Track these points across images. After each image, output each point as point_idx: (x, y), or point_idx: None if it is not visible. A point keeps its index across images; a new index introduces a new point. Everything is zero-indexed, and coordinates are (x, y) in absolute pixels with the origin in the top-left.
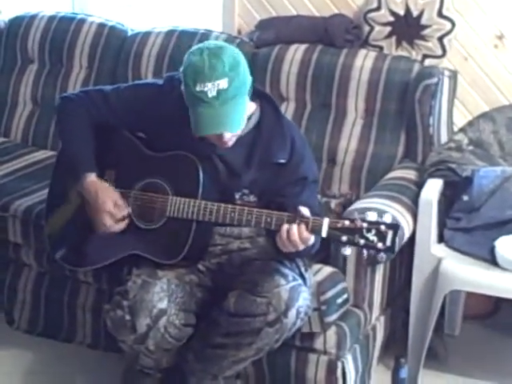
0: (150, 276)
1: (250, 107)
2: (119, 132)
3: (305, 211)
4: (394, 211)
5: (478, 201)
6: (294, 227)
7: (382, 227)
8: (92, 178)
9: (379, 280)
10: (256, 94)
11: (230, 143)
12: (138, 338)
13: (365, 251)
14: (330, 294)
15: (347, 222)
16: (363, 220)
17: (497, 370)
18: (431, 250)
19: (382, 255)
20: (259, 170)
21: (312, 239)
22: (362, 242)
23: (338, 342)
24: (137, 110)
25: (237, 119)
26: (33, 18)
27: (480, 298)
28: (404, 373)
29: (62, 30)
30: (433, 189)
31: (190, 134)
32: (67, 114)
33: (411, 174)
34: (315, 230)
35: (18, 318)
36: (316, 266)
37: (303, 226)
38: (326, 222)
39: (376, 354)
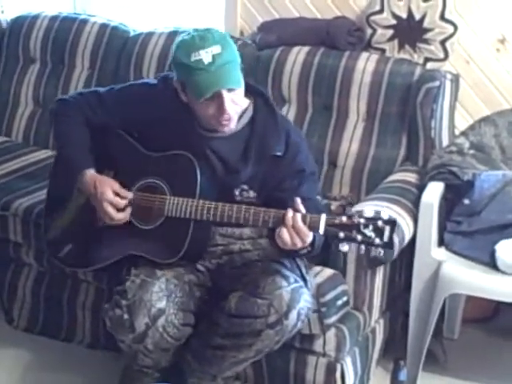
0: (148, 276)
1: (244, 103)
2: (116, 133)
3: (302, 208)
4: (395, 214)
5: (479, 204)
6: (298, 215)
7: (380, 223)
8: (91, 172)
9: (379, 283)
10: (249, 90)
11: (232, 125)
12: (137, 337)
13: (362, 247)
14: (329, 296)
15: (344, 219)
16: (360, 216)
17: (496, 373)
18: (431, 254)
19: (380, 251)
20: (256, 165)
21: (310, 236)
22: (359, 237)
23: (337, 345)
24: (132, 110)
25: (235, 77)
26: (35, 17)
27: (479, 302)
28: (403, 375)
29: (64, 30)
30: (434, 192)
31: (186, 132)
32: (62, 116)
33: (412, 177)
34: (313, 227)
35: (18, 317)
36: (316, 268)
37: (299, 223)
38: (323, 218)
39: (375, 356)
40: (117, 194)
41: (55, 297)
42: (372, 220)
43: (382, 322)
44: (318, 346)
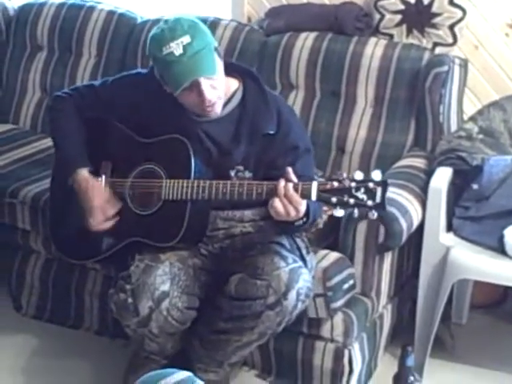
0: (152, 260)
1: (233, 84)
2: (111, 123)
3: (293, 177)
4: (403, 199)
5: (488, 190)
6: (290, 184)
7: (371, 184)
8: (83, 173)
9: (387, 268)
10: (238, 72)
11: (217, 109)
12: (141, 320)
13: (356, 210)
14: (336, 279)
15: (336, 183)
16: (351, 179)
17: (504, 358)
18: (440, 239)
19: (374, 212)
20: (249, 145)
21: (304, 204)
22: (351, 201)
23: (345, 330)
24: (125, 100)
25: (209, 65)
26: (42, 5)
27: (488, 287)
28: (411, 361)
29: (72, 18)
30: (442, 177)
31: (177, 117)
32: (57, 112)
33: (420, 163)
34: (305, 194)
35: (26, 304)
36: (322, 252)
37: (290, 191)
38: (314, 184)
39: (383, 342)
40: (107, 202)
41: (63, 284)
42: (363, 182)
43: (390, 308)
44: (325, 331)
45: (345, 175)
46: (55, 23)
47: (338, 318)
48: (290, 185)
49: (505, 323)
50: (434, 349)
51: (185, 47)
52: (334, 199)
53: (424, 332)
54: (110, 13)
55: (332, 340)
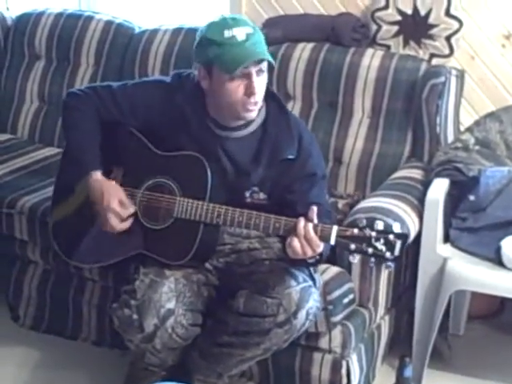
0: (157, 275)
1: None
2: (127, 130)
3: (315, 218)
4: (400, 210)
5: (485, 201)
6: (310, 225)
7: (391, 237)
8: (97, 176)
9: (384, 279)
10: None
11: (255, 113)
12: (146, 337)
13: (372, 260)
14: (336, 293)
15: (356, 231)
16: (372, 229)
17: (501, 369)
18: (437, 250)
19: (390, 264)
20: (268, 168)
21: (321, 247)
22: (370, 250)
23: (343, 341)
24: (144, 107)
25: (268, 54)
26: (40, 14)
27: (485, 298)
28: (408, 372)
29: (70, 27)
30: (439, 188)
31: (198, 131)
32: (73, 110)
33: (417, 174)
34: (324, 237)
35: (24, 315)
36: (322, 266)
37: (311, 234)
38: (334, 229)
39: (381, 353)
40: (121, 204)
41: (61, 295)
42: (383, 233)
43: (388, 319)
44: (323, 342)
45: (365, 222)
46: (53, 33)
47: (336, 329)
48: (310, 226)
49: (502, 334)
50: (431, 359)
51: (248, 35)
52: (352, 246)
53: (422, 343)
54: (108, 23)
55: (330, 351)
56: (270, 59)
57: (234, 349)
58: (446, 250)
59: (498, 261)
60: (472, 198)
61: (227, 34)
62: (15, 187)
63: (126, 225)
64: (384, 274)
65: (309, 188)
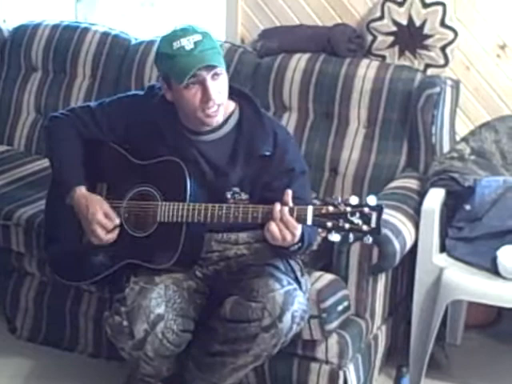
0: (147, 282)
1: (230, 106)
2: (107, 145)
3: (289, 201)
4: (396, 220)
5: (480, 210)
6: (286, 208)
7: (366, 209)
8: (82, 191)
9: (381, 289)
10: (235, 94)
11: (219, 117)
12: (136, 343)
13: (351, 235)
14: (330, 301)
15: (331, 208)
16: (346, 204)
17: (498, 379)
18: (433, 260)
19: (369, 237)
20: (245, 167)
21: (299, 229)
22: (347, 226)
23: (339, 352)
24: (121, 122)
25: (218, 60)
26: (36, 26)
27: (482, 308)
28: (406, 382)
29: (66, 39)
30: (435, 198)
31: (174, 137)
32: (55, 132)
33: (413, 184)
34: (301, 219)
35: (21, 327)
36: (316, 274)
37: (287, 215)
38: (310, 209)
39: (378, 363)
40: (106, 215)
41: (58, 306)
42: (358, 207)
43: (384, 329)
44: (320, 353)
45: (340, 200)
46: (50, 44)
47: (333, 339)
48: (286, 209)
49: (499, 343)
50: (428, 369)
51: (196, 43)
52: (329, 224)
53: (419, 352)
54: (104, 34)
55: (327, 361)
56: (217, 63)
57: (225, 357)
58: (442, 259)
59: (494, 270)
60: (468, 207)
61: (176, 45)
62: (12, 199)
63: (113, 236)
64: (380, 284)
65: (287, 184)
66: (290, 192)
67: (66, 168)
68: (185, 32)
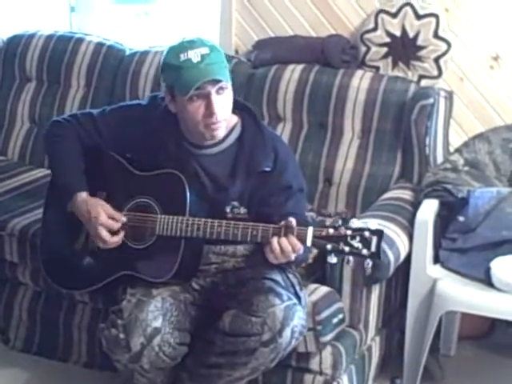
0: (144, 295)
1: (232, 120)
2: (107, 154)
3: (290, 221)
4: (390, 231)
5: (474, 221)
6: (284, 240)
7: (366, 233)
8: (83, 196)
9: (375, 300)
10: (237, 107)
11: (221, 131)
12: (133, 356)
13: (350, 258)
14: (325, 314)
15: (331, 230)
16: (347, 227)
17: None
18: (427, 271)
19: (368, 261)
20: (245, 181)
21: (302, 248)
22: (346, 249)
23: (333, 363)
24: (123, 131)
25: (224, 74)
26: (31, 36)
27: (475, 319)
28: None
29: (60, 49)
30: (428, 209)
31: (175, 150)
32: (56, 138)
33: (407, 195)
34: (300, 240)
35: (14, 337)
36: (312, 286)
37: (292, 237)
38: (310, 230)
39: (372, 374)
40: (110, 217)
41: (51, 317)
42: (359, 231)
43: (378, 340)
44: (314, 364)
45: (340, 222)
46: (44, 55)
47: (327, 350)
48: (292, 237)
49: (493, 354)
50: (422, 380)
51: (203, 56)
52: (329, 246)
53: (413, 363)
54: (99, 45)
55: (321, 373)
56: (223, 78)
57: (221, 369)
58: (435, 270)
59: (487, 282)
60: (461, 218)
61: (183, 57)
62: (5, 209)
63: (118, 239)
64: (374, 295)
65: (284, 201)
66: (293, 221)
67: (68, 174)
68: (192, 44)
